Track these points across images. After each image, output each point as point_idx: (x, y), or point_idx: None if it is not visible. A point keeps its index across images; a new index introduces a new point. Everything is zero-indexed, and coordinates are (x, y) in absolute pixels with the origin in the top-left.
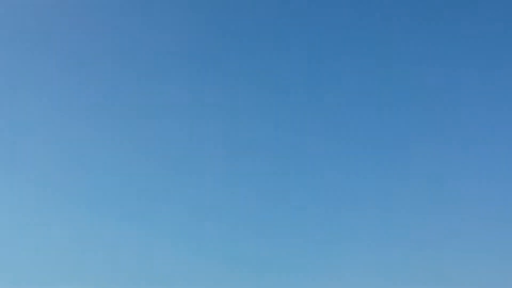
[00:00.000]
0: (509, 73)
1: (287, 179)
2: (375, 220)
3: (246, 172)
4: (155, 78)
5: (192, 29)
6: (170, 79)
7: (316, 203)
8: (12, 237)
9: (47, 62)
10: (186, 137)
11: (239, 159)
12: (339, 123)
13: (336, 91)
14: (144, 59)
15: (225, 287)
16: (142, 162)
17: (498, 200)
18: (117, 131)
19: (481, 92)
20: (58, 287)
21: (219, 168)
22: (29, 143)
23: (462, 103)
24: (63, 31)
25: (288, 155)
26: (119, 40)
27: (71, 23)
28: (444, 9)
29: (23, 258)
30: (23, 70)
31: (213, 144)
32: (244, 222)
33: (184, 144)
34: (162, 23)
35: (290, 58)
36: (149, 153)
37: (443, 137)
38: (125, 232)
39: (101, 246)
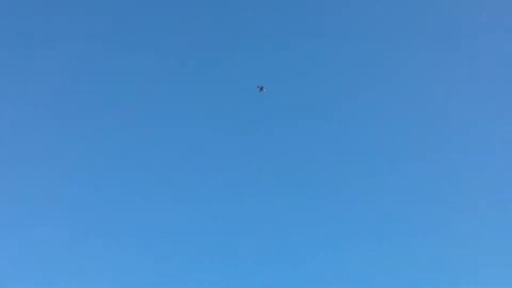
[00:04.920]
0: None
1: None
2: (376, 218)
3: (247, 172)
4: (156, 79)
5: (193, 30)
6: (172, 80)
7: (316, 200)
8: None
9: (48, 61)
10: (187, 136)
11: (238, 159)
12: (338, 121)
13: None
14: (145, 59)
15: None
16: (142, 161)
17: (498, 202)
18: (117, 131)
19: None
20: (58, 283)
21: (218, 167)
22: (30, 142)
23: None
24: (64, 31)
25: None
26: (119, 40)
27: (72, 24)
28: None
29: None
30: (24, 69)
31: (213, 144)
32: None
33: (185, 143)
34: (162, 23)
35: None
36: (150, 152)
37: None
38: (124, 230)
39: (99, 245)
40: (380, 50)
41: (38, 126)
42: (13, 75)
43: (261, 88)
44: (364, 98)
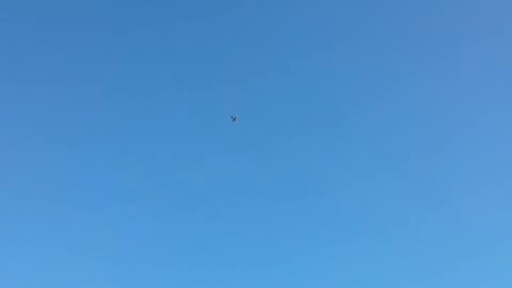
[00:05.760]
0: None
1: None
2: (375, 217)
3: (246, 171)
4: (157, 79)
5: (191, 29)
6: (172, 79)
7: (315, 200)
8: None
9: (48, 62)
10: (187, 135)
11: (239, 159)
12: (337, 122)
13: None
14: (146, 60)
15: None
16: (143, 162)
17: (498, 202)
18: (119, 132)
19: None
20: (61, 285)
21: (218, 168)
22: (31, 143)
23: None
24: (64, 30)
25: (288, 155)
26: (120, 40)
27: (72, 24)
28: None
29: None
30: (24, 70)
31: (213, 144)
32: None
33: (187, 142)
34: (162, 23)
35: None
36: (151, 152)
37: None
38: (126, 230)
39: (101, 245)
40: (378, 51)
41: (37, 125)
42: (13, 75)
43: (234, 119)
44: (364, 99)
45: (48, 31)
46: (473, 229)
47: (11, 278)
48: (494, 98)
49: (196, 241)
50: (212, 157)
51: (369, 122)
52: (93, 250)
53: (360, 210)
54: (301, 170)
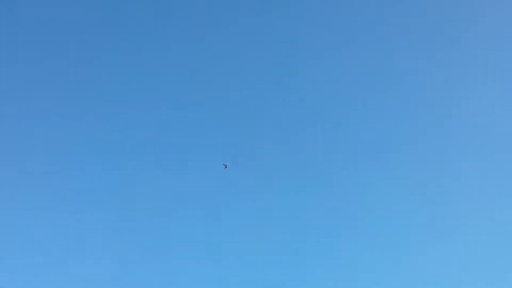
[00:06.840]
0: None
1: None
2: (376, 220)
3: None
4: (155, 78)
5: (189, 27)
6: (170, 77)
7: (316, 201)
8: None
9: (47, 62)
10: (187, 135)
11: (240, 160)
12: (338, 122)
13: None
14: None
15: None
16: (142, 163)
17: (497, 202)
18: (116, 131)
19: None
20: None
21: (219, 174)
22: (29, 143)
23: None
24: (64, 31)
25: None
26: (119, 40)
27: (72, 24)
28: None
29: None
30: (24, 70)
31: (213, 145)
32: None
33: (186, 143)
34: (161, 23)
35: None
36: (150, 153)
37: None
38: (125, 232)
39: (100, 247)
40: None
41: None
42: (12, 76)
43: (225, 166)
44: (363, 99)
45: (47, 31)
46: (475, 230)
47: (10, 278)
48: (495, 99)
49: (195, 240)
50: (206, 155)
51: (369, 122)
52: (92, 250)
53: (361, 211)
54: (301, 168)
